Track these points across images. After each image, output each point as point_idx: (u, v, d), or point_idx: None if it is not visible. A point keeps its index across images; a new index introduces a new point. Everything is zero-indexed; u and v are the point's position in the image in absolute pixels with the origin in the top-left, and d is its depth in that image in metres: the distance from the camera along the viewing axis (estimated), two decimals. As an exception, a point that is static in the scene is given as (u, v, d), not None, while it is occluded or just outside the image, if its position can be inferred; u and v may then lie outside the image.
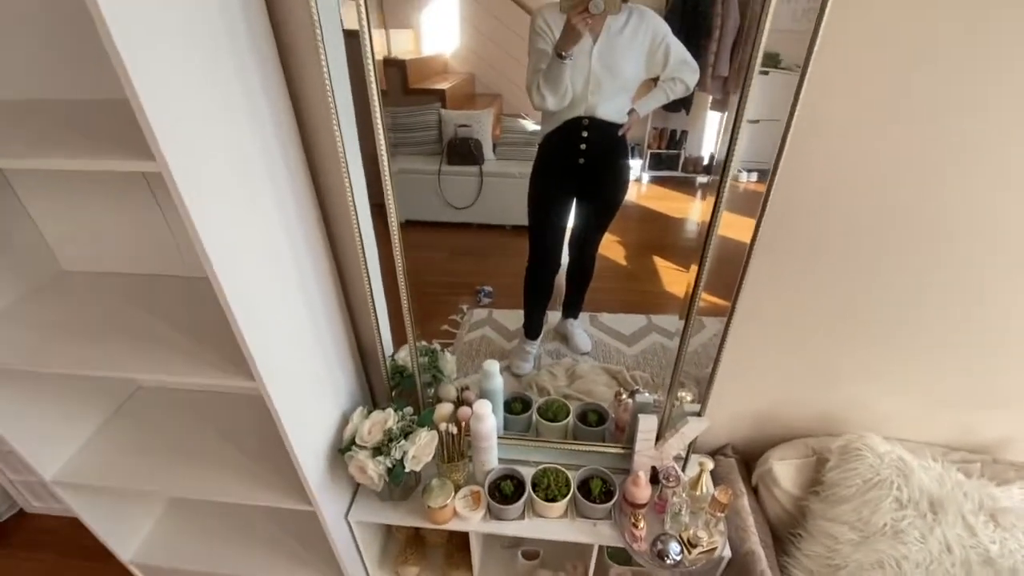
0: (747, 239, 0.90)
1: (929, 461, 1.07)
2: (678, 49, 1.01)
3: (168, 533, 1.41)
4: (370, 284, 1.05)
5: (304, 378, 0.98)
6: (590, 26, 0.96)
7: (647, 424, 1.07)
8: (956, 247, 0.95)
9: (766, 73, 0.79)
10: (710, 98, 1.48)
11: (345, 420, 1.09)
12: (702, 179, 1.67)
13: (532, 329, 1.50)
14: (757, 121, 0.82)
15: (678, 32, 1.13)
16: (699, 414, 1.12)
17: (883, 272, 0.99)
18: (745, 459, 1.27)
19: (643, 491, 1.05)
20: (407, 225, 1.46)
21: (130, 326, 0.99)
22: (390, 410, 1.06)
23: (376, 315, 1.09)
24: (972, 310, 1.01)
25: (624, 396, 1.20)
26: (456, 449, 1.11)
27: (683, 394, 1.14)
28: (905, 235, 0.95)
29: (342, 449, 1.05)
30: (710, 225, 0.89)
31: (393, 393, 1.19)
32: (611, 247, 1.65)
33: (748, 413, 1.25)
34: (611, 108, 1.12)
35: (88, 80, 0.89)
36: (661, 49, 1.02)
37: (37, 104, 0.90)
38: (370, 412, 1.07)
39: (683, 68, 1.03)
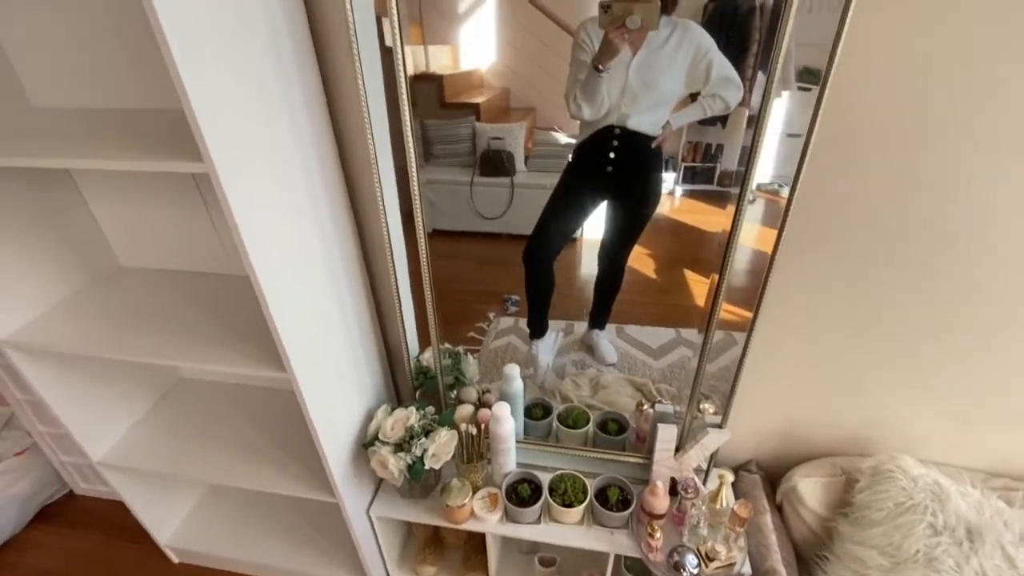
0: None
1: (968, 487, 1.02)
2: (721, 65, 0.99)
3: (202, 519, 1.48)
4: (398, 288, 1.09)
5: (332, 373, 1.03)
6: (628, 41, 0.97)
7: (666, 434, 1.07)
8: (994, 256, 0.91)
9: (808, 89, 0.79)
10: (747, 113, 1.47)
11: (369, 416, 1.13)
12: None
13: (535, 327, 1.49)
14: (799, 136, 0.82)
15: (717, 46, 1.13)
16: (720, 426, 1.10)
17: (913, 283, 0.96)
18: (770, 476, 1.24)
19: (661, 501, 1.05)
20: (439, 234, 1.50)
21: (178, 319, 1.06)
22: (412, 408, 1.09)
23: (402, 318, 1.13)
24: (1011, 325, 0.97)
25: (645, 406, 1.20)
26: (475, 450, 1.13)
27: (705, 406, 1.12)
28: (935, 242, 0.92)
29: (365, 444, 1.09)
30: (730, 234, 0.90)
31: (416, 393, 1.22)
32: (641, 260, 1.65)
33: (773, 429, 1.22)
34: (645, 120, 1.13)
35: (148, 91, 0.98)
36: (703, 64, 1.00)
37: (102, 113, 0.99)
38: (393, 409, 1.10)
39: (726, 85, 1.01)
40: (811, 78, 0.78)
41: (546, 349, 1.48)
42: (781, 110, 0.81)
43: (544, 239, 1.38)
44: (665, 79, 1.06)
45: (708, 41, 0.98)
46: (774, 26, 0.91)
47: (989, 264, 0.92)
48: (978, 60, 0.75)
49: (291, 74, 0.84)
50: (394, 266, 1.06)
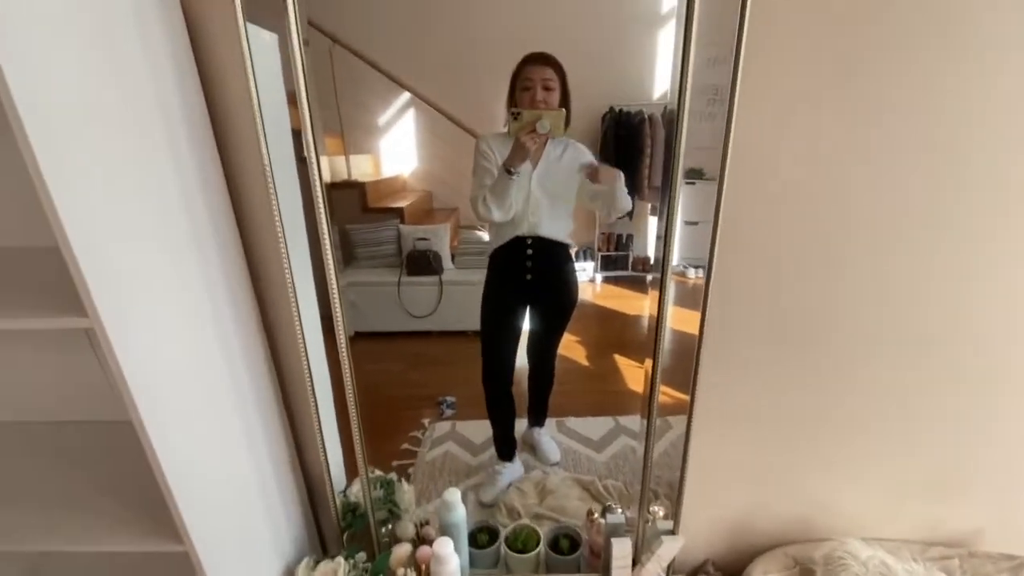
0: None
1: (911, 563, 1.03)
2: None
3: None
4: (318, 412, 0.99)
5: (242, 531, 0.88)
6: (536, 145, 1.06)
7: (621, 549, 1.00)
8: (901, 335, 0.98)
9: (692, 183, 0.87)
10: (649, 205, 1.61)
11: (289, 574, 0.97)
12: (651, 277, 1.76)
13: (503, 449, 1.44)
14: (695, 223, 0.88)
15: (615, 151, 1.25)
16: (673, 531, 1.06)
17: (830, 363, 1.02)
18: (727, 574, 1.20)
19: (625, 630, 0.96)
20: (363, 337, 1.43)
21: (38, 485, 0.87)
22: (340, 559, 0.95)
23: (324, 448, 1.01)
24: (926, 403, 1.05)
25: (596, 516, 1.13)
26: (416, 597, 0.99)
27: (655, 508, 1.08)
28: (842, 327, 0.98)
29: (284, 612, 0.92)
30: (658, 322, 0.91)
31: (344, 536, 1.08)
32: (572, 347, 1.66)
33: (723, 522, 1.20)
34: (553, 227, 1.21)
35: (15, 225, 0.87)
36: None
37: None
38: (317, 562, 0.96)
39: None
40: (694, 175, 0.87)
41: (509, 476, 1.43)
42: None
43: (496, 364, 1.41)
44: (565, 189, 1.17)
45: (590, 156, 1.17)
46: (665, 132, 1.01)
47: (900, 349, 1.00)
48: (847, 155, 0.86)
49: (188, 180, 0.78)
50: (313, 388, 0.96)
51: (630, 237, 1.78)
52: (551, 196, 1.16)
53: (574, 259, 1.39)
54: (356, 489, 1.08)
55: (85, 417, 1.04)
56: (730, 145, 0.78)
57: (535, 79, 1.06)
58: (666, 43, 1.48)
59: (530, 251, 1.20)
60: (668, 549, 1.01)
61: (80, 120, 0.59)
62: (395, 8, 1.50)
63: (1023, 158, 0.85)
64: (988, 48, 0.79)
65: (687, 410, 0.97)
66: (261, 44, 0.78)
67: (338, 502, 1.06)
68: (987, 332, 0.98)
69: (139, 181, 0.68)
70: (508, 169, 1.10)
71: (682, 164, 0.81)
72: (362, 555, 0.99)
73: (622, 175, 1.18)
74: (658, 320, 0.91)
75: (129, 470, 0.89)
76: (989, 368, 1.01)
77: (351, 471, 1.11)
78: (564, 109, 1.07)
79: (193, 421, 0.77)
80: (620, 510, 1.10)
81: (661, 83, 1.54)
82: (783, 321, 0.99)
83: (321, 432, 1.00)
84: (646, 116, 1.50)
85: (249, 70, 0.75)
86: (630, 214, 1.71)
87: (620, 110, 1.53)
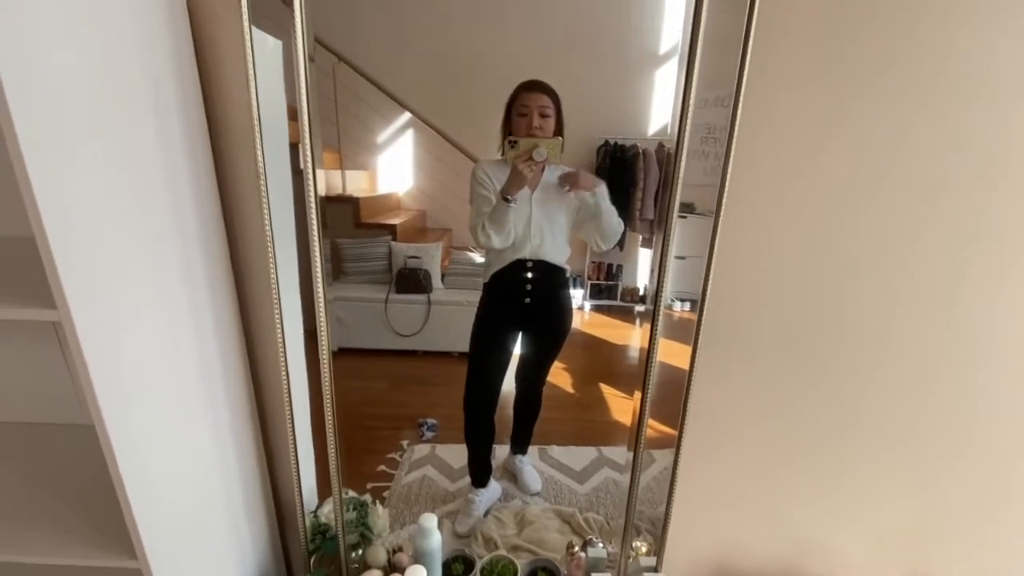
0: (686, 365, 0.91)
1: (897, 613, 1.01)
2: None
3: None
4: (294, 428, 0.95)
5: (202, 549, 0.83)
6: (533, 173, 1.06)
7: (601, 586, 0.96)
8: (888, 369, 0.98)
9: (684, 217, 0.88)
10: (640, 237, 1.63)
11: (249, 598, 0.91)
12: (639, 308, 1.77)
13: (477, 475, 1.40)
14: (684, 257, 0.89)
15: (609, 183, 1.26)
16: (656, 568, 1.02)
17: (817, 398, 1.00)
18: (710, 619, 1.15)
19: (602, 673, 0.91)
20: (349, 353, 1.39)
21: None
22: (305, 583, 0.90)
23: (298, 465, 0.97)
24: (906, 440, 1.04)
25: (576, 549, 1.09)
26: (383, 629, 0.94)
27: (638, 544, 1.05)
28: (832, 371, 0.98)
29: (240, 639, 0.86)
30: (648, 355, 0.90)
31: (311, 560, 1.02)
32: (559, 374, 1.64)
33: (706, 561, 1.16)
34: (553, 251, 1.20)
35: None
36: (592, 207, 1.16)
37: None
38: (281, 586, 0.90)
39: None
40: (685, 209, 0.89)
41: (486, 502, 1.39)
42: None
43: (483, 389, 1.38)
44: (562, 213, 1.17)
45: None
46: (659, 167, 1.02)
47: (890, 394, 0.99)
48: (846, 192, 0.87)
49: (184, 196, 0.76)
50: (291, 401, 0.93)
51: (620, 267, 1.79)
52: (551, 219, 1.16)
53: (571, 286, 1.39)
54: (327, 510, 1.03)
55: (47, 420, 1.00)
56: (728, 177, 0.80)
57: (532, 106, 1.07)
58: (663, 82, 1.52)
59: (530, 274, 1.19)
60: (650, 587, 0.98)
61: (70, 113, 0.57)
62: (400, 32, 1.53)
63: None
64: (981, 81, 0.81)
65: (673, 444, 0.95)
66: (265, 49, 0.78)
67: (307, 523, 1.01)
68: (973, 381, 0.98)
69: (127, 176, 0.66)
70: (506, 197, 1.10)
71: (678, 196, 0.82)
72: (329, 581, 0.94)
73: (603, 183, 1.17)
74: (648, 353, 0.90)
75: (88, 478, 0.84)
76: (969, 421, 1.01)
77: (323, 491, 1.06)
78: (560, 137, 1.08)
79: (160, 429, 0.73)
80: (601, 544, 1.06)
81: (656, 120, 1.58)
82: (774, 360, 0.98)
83: (295, 447, 0.96)
84: (640, 151, 1.53)
85: (251, 72, 0.74)
86: (621, 244, 1.73)
87: (615, 143, 1.56)
